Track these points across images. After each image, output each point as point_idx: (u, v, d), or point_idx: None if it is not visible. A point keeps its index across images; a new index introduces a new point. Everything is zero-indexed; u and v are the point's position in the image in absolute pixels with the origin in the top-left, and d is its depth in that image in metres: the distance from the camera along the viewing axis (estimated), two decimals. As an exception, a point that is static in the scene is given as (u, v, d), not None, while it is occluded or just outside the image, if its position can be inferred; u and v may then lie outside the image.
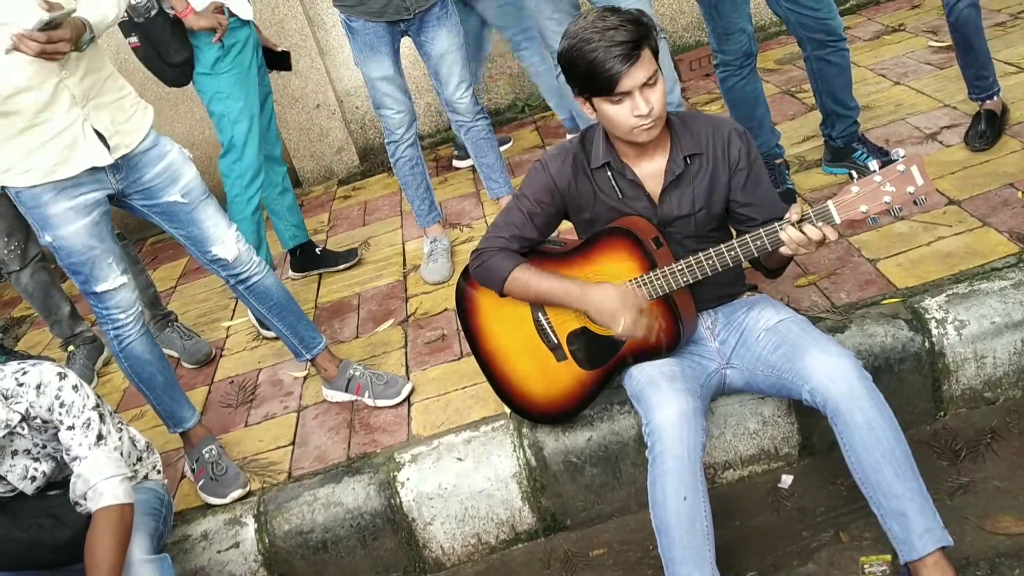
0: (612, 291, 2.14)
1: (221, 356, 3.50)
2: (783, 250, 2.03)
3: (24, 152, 2.36)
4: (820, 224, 1.96)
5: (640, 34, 1.99)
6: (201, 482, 2.70)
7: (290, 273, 3.93)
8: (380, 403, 2.86)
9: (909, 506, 1.97)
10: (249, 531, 2.55)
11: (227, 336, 3.64)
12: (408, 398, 2.86)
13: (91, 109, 2.40)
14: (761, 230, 2.03)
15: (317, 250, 3.92)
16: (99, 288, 2.54)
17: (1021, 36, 3.95)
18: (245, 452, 2.85)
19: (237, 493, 2.64)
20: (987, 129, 3.20)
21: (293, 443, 2.84)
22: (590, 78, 2.01)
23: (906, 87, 3.86)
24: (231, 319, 3.75)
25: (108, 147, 2.44)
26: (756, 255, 2.07)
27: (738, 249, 2.06)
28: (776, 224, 2.01)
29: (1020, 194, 2.85)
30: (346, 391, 2.92)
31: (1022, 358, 2.49)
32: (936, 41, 4.17)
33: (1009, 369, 2.50)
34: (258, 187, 3.44)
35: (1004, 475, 2.30)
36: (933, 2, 4.53)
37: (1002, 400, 2.53)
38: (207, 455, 2.73)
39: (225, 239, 2.68)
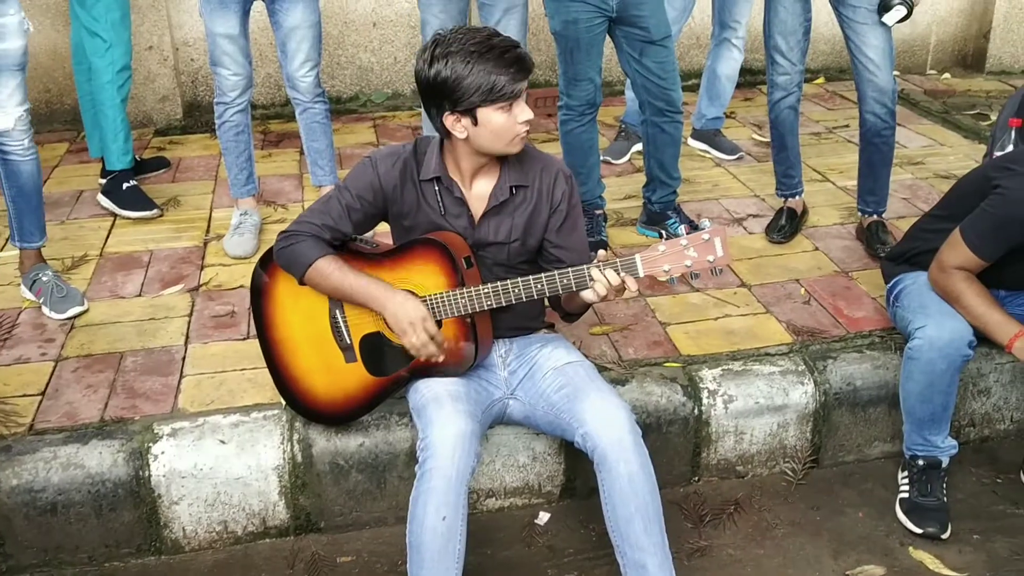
0: (412, 306, 2.12)
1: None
2: (585, 295, 2.09)
3: None
4: (623, 274, 2.04)
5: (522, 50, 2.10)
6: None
7: (100, 198, 3.78)
8: (51, 314, 2.97)
9: (651, 560, 2.06)
10: (-30, 479, 2.32)
11: (-7, 266, 3.34)
12: (76, 317, 2.97)
13: None
14: (570, 269, 2.08)
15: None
16: None
17: (832, 148, 4.31)
18: (-15, 394, 2.61)
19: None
20: (786, 224, 3.45)
21: (43, 393, 2.62)
22: (488, 87, 2.03)
23: (725, 170, 4.10)
24: (0, 249, 3.44)
25: None
26: (560, 292, 2.12)
27: (545, 283, 2.10)
28: (584, 266, 2.07)
29: (803, 291, 3.09)
30: (30, 291, 3.06)
31: (775, 440, 2.67)
32: (759, 135, 4.47)
33: (762, 448, 2.68)
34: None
35: (739, 545, 2.46)
36: (763, 99, 4.85)
37: (751, 476, 2.70)
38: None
39: (6, 110, 2.83)
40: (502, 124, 2.09)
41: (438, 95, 2.08)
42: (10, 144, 2.89)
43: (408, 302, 2.13)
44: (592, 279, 2.06)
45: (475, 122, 2.09)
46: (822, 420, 2.68)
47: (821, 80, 5.33)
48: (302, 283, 2.22)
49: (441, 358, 2.17)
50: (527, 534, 2.50)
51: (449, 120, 2.10)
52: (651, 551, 2.06)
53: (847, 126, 4.54)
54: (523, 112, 2.11)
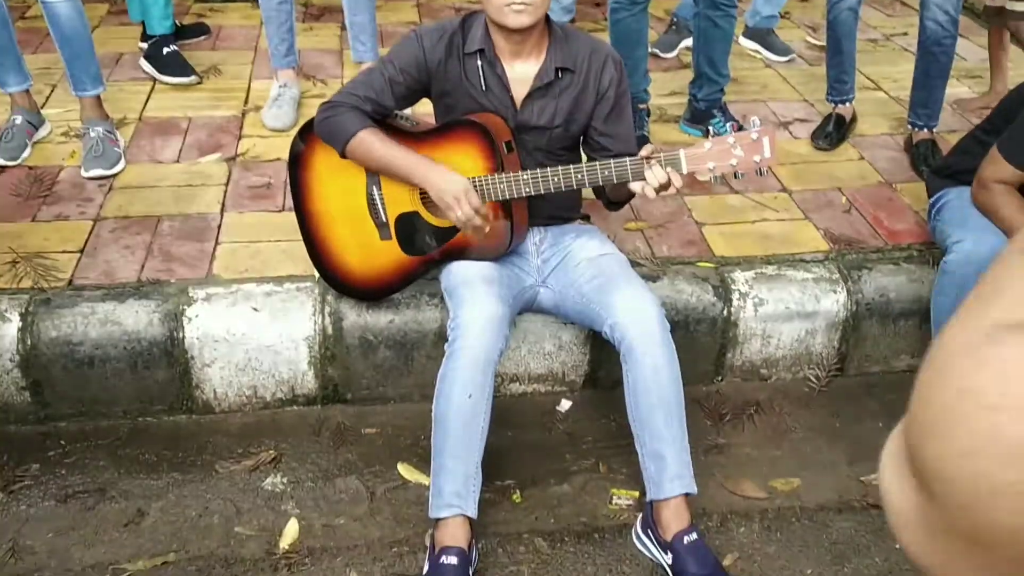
0: (455, 179, 2.10)
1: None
2: (632, 186, 2.06)
3: None
4: (668, 169, 2.01)
5: None
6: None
7: (141, 62, 3.76)
8: (83, 172, 2.98)
9: (668, 451, 2.09)
10: (11, 328, 2.38)
11: (34, 123, 3.34)
12: (96, 179, 2.96)
13: None
14: (612, 162, 2.05)
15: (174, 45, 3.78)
16: None
17: (887, 56, 4.17)
18: (27, 248, 2.65)
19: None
20: (833, 131, 3.37)
21: (82, 251, 2.66)
22: None
23: (775, 72, 3.99)
24: (43, 106, 3.43)
25: None
26: (601, 184, 2.10)
27: (585, 174, 2.08)
28: (627, 159, 2.04)
29: (844, 200, 3.04)
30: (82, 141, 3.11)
31: (801, 346, 2.68)
32: (813, 38, 4.32)
33: (788, 353, 2.68)
34: None
35: (756, 445, 2.49)
36: (820, 1, 4.68)
37: (774, 379, 2.71)
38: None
39: None
40: None
41: None
42: None
43: (451, 175, 2.10)
44: (628, 176, 2.03)
45: None
46: (851, 329, 2.67)
47: (883, -16, 5.12)
48: (343, 155, 2.20)
49: (487, 230, 2.15)
50: (548, 420, 2.55)
51: None
52: (670, 442, 2.10)
53: (905, 34, 4.37)
54: None
